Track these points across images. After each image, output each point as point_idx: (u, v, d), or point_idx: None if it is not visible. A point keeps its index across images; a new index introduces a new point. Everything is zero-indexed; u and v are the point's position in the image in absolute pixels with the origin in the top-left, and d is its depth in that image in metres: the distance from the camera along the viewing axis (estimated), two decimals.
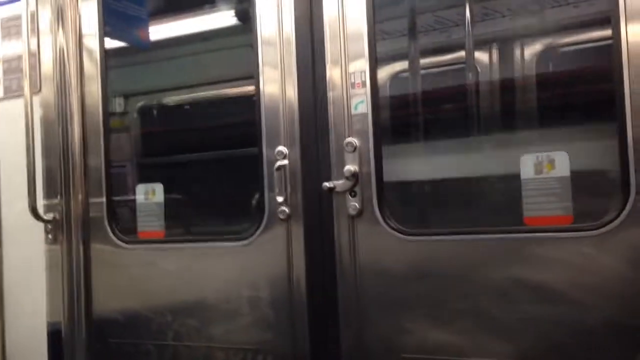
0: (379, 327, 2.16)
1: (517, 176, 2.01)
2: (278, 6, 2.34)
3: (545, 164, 1.96)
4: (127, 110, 3.13)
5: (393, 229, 2.15)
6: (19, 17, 2.67)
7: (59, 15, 2.67)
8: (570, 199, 1.94)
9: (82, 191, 2.70)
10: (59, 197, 2.70)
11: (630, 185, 1.82)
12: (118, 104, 3.07)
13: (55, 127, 2.71)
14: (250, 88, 2.43)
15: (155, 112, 3.28)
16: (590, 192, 2.03)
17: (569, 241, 1.91)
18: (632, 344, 1.83)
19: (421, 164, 2.60)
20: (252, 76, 2.39)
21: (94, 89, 2.71)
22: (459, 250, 2.07)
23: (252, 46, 2.38)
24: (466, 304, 2.03)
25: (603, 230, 1.86)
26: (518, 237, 1.99)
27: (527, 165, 1.99)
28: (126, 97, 3.12)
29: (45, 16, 2.73)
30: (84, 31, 2.74)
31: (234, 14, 2.96)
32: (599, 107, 2.20)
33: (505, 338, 1.99)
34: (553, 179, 1.96)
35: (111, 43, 2.80)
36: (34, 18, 2.70)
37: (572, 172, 1.94)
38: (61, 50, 2.69)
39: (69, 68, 2.67)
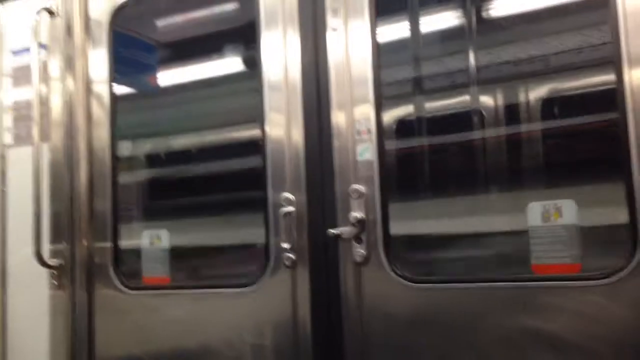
0: None
1: (524, 225, 2.00)
2: (284, 51, 2.38)
3: (552, 212, 1.96)
4: (133, 155, 3.15)
5: (399, 276, 2.13)
6: (29, 67, 2.73)
7: (69, 63, 2.72)
8: (578, 247, 1.92)
9: (88, 236, 2.70)
10: (64, 242, 2.71)
11: (639, 234, 1.81)
12: (125, 148, 3.10)
13: (62, 172, 2.73)
14: (256, 132, 2.45)
15: (161, 156, 3.30)
16: (599, 241, 2.02)
17: (577, 290, 1.89)
18: None
19: (427, 208, 2.60)
20: (258, 121, 2.41)
21: (102, 133, 2.74)
22: (465, 298, 2.04)
23: (258, 91, 2.41)
24: (472, 353, 2.00)
25: (611, 279, 1.83)
26: (526, 286, 1.97)
27: (535, 213, 1.98)
28: (133, 141, 3.15)
29: (55, 65, 2.79)
30: (92, 78, 2.78)
31: (240, 60, 3.01)
32: (606, 154, 2.20)
33: None
34: (560, 227, 1.95)
35: (120, 89, 2.84)
36: (44, 67, 2.75)
37: (579, 220, 1.93)
38: (70, 97, 2.73)
39: (77, 113, 2.71)
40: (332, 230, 2.18)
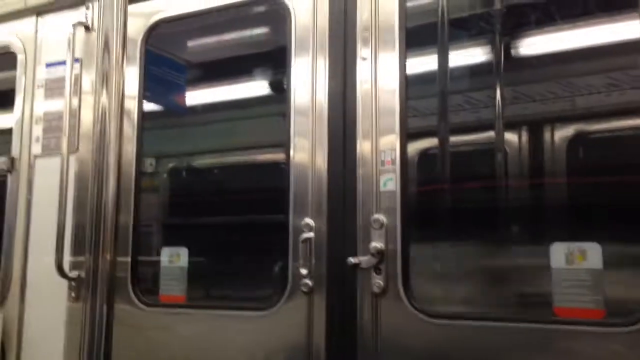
0: None
1: (547, 266, 1.98)
2: (312, 78, 2.40)
3: (576, 255, 1.93)
4: (157, 171, 3.18)
5: (417, 309, 2.11)
6: (62, 79, 2.78)
7: (104, 78, 2.77)
8: (602, 292, 1.89)
9: (111, 250, 2.71)
10: (87, 254, 2.72)
11: None
12: (149, 165, 3.13)
13: (88, 185, 2.76)
14: (281, 157, 2.46)
15: (184, 175, 3.32)
16: (623, 287, 1.98)
17: (599, 336, 1.86)
18: None
19: (447, 245, 2.58)
20: (283, 145, 2.42)
21: (130, 148, 2.78)
22: (484, 336, 2.02)
23: (285, 115, 2.42)
24: None
25: (635, 327, 1.80)
26: (547, 328, 1.94)
27: (558, 254, 1.96)
28: (157, 158, 3.17)
29: (88, 79, 2.85)
30: (128, 93, 2.83)
31: (269, 84, 3.04)
32: (632, 198, 2.17)
33: None
34: (584, 270, 1.92)
35: (149, 106, 2.88)
36: (76, 80, 2.81)
37: (604, 264, 1.90)
38: (103, 111, 2.78)
39: (110, 128, 2.75)
40: (351, 259, 2.18)
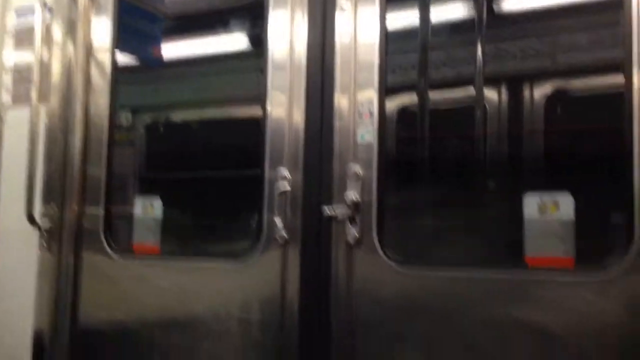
0: (371, 358, 2.11)
1: (519, 216, 1.99)
2: (290, 31, 2.36)
3: (549, 206, 1.94)
4: (131, 125, 3.14)
5: (391, 259, 2.12)
6: (32, 27, 2.70)
7: (70, 28, 2.70)
8: (573, 242, 1.91)
9: (79, 201, 2.69)
10: (60, 205, 2.70)
11: (635, 231, 1.80)
12: (123, 119, 3.09)
13: (57, 135, 2.72)
14: (257, 111, 2.43)
15: (160, 129, 3.28)
16: (594, 237, 2.00)
17: (569, 284, 1.88)
18: None
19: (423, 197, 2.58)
20: (260, 99, 2.39)
21: (102, 101, 2.72)
22: (457, 285, 2.03)
23: (262, 69, 2.38)
24: (461, 341, 1.99)
25: (604, 275, 1.82)
26: (518, 277, 1.96)
27: (531, 205, 1.97)
28: (132, 112, 3.13)
29: (58, 28, 2.76)
30: (95, 44, 2.77)
31: (245, 37, 2.98)
32: (607, 152, 2.18)
33: None
34: (556, 220, 1.93)
35: (122, 58, 2.82)
36: (47, 29, 2.73)
37: (576, 215, 1.91)
38: (69, 62, 2.72)
39: (76, 79, 2.70)
40: (326, 210, 2.17)
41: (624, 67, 1.89)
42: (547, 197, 1.95)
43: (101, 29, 2.76)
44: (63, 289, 2.67)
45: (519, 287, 1.95)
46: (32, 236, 2.70)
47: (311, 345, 2.22)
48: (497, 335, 1.95)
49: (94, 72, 2.75)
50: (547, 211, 1.94)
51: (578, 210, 1.91)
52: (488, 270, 2.04)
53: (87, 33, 2.71)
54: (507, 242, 2.19)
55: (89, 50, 2.71)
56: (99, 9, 2.75)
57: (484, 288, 1.99)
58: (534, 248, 1.95)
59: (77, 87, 2.70)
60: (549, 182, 2.43)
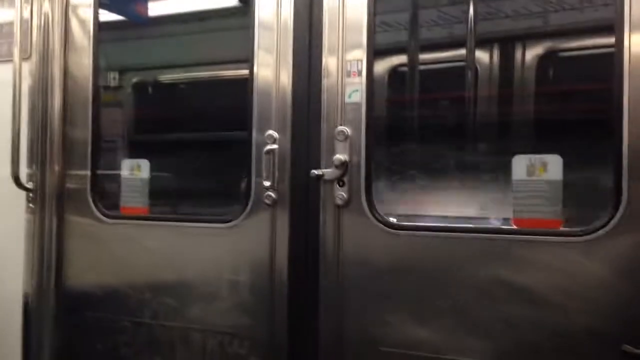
0: (359, 319, 2.14)
1: (508, 177, 1.99)
2: None
3: (538, 167, 1.94)
4: (116, 85, 3.08)
5: (379, 221, 2.12)
6: None
7: None
8: (561, 203, 1.91)
9: (60, 162, 2.65)
10: (45, 166, 2.66)
11: (622, 192, 1.80)
12: (110, 78, 3.03)
13: (38, 96, 2.66)
14: (243, 71, 2.39)
15: (145, 89, 3.23)
16: (582, 198, 2.01)
17: (556, 245, 1.89)
18: (609, 351, 1.81)
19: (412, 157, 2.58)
20: (247, 59, 2.34)
21: (84, 60, 2.66)
22: (444, 246, 2.04)
23: (249, 29, 2.34)
24: (448, 301, 2.01)
25: (591, 236, 1.84)
26: (505, 238, 1.97)
27: (520, 166, 1.96)
28: (119, 71, 3.07)
29: None
30: (74, 1, 2.68)
31: None
32: (596, 113, 2.18)
33: (483, 338, 1.97)
34: (544, 181, 1.93)
35: (106, 15, 2.74)
36: None
37: (564, 176, 1.91)
38: (46, 18, 2.64)
39: (53, 37, 2.62)
40: (314, 171, 2.15)
41: (615, 26, 1.85)
42: (536, 159, 1.94)
43: None
44: (46, 250, 2.65)
45: (506, 247, 1.95)
46: (19, 198, 2.67)
47: (300, 306, 2.24)
48: (484, 295, 1.96)
49: (75, 29, 2.67)
50: (536, 172, 1.94)
51: (566, 171, 1.91)
52: (475, 230, 2.04)
53: None
54: (494, 203, 2.19)
55: (66, 7, 2.63)
56: None
57: (471, 248, 2.00)
58: (522, 209, 1.95)
59: (56, 46, 2.62)
60: (538, 143, 2.43)
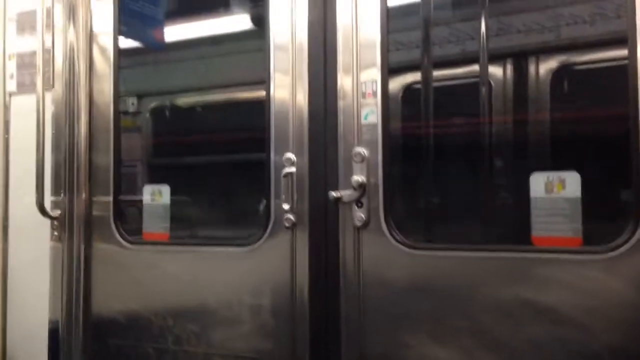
0: (380, 340, 2.14)
1: (526, 195, 1.99)
2: (291, 12, 2.33)
3: (555, 184, 1.94)
4: (138, 111, 3.13)
5: (399, 241, 2.13)
6: (34, 12, 2.68)
7: (71, 12, 2.68)
8: (580, 220, 1.91)
9: (87, 189, 2.70)
10: (70, 194, 2.70)
11: None
12: (129, 104, 3.07)
13: (63, 123, 2.71)
14: (261, 93, 2.42)
15: (166, 113, 3.27)
16: (601, 215, 2.00)
17: (577, 263, 1.89)
18: None
19: (430, 177, 2.58)
20: (263, 81, 2.37)
21: (106, 87, 2.71)
22: (464, 266, 2.04)
23: (264, 51, 2.37)
24: (469, 321, 2.01)
25: (613, 254, 1.83)
26: (525, 257, 1.97)
27: (537, 183, 1.96)
28: (137, 97, 3.12)
29: (60, 12, 2.73)
30: (96, 29, 2.74)
31: (247, 18, 2.95)
32: (613, 129, 2.17)
33: (504, 358, 1.96)
34: (563, 199, 1.93)
35: (125, 42, 2.80)
36: (49, 14, 2.70)
37: (583, 193, 1.91)
38: (71, 48, 2.70)
39: (79, 65, 2.68)
40: (333, 193, 2.17)
41: (628, 39, 1.85)
42: (554, 176, 1.94)
43: (102, 13, 2.73)
44: (75, 278, 2.68)
45: (526, 266, 1.95)
46: (43, 226, 2.71)
47: (321, 327, 2.25)
48: (505, 315, 1.96)
49: (97, 57, 2.73)
50: (554, 189, 1.94)
51: (585, 188, 1.91)
52: (495, 249, 2.04)
53: (87, 17, 2.69)
54: (514, 221, 2.19)
55: (90, 35, 2.69)
56: None
57: (491, 268, 2.00)
58: (541, 227, 1.95)
59: (81, 73, 2.68)
60: (555, 159, 2.42)
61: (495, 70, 2.65)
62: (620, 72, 1.93)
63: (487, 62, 2.56)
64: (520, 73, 2.66)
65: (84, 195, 2.70)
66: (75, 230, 2.70)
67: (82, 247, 2.69)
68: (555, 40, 2.54)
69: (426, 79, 2.72)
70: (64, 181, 2.71)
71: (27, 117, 2.70)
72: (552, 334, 1.90)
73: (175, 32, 3.09)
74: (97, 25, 2.74)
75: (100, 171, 2.70)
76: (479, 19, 2.53)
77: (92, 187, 2.71)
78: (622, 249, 1.82)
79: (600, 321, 1.85)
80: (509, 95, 2.66)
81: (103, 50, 2.73)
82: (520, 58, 2.66)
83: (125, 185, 2.75)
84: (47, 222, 2.70)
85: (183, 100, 3.20)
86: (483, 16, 2.52)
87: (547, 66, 2.59)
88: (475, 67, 2.57)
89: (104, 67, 2.73)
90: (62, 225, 2.71)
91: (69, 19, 2.69)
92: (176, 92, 3.18)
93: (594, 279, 1.86)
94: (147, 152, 3.14)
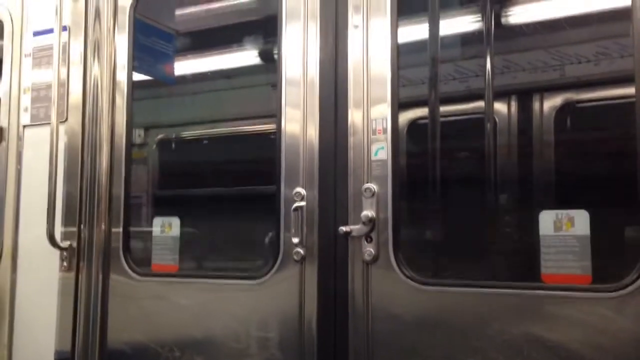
0: None
1: (534, 232, 2.00)
2: (304, 47, 2.38)
3: (564, 222, 1.96)
4: (146, 142, 3.16)
5: (408, 277, 2.13)
6: (50, 48, 2.73)
7: (95, 48, 2.74)
8: (589, 258, 1.92)
9: (106, 220, 2.71)
10: (80, 225, 2.71)
11: None
12: (139, 136, 3.11)
13: (78, 155, 2.74)
14: (271, 127, 2.45)
15: (174, 146, 3.31)
16: (610, 253, 2.02)
17: (587, 301, 1.89)
18: None
19: (439, 213, 2.60)
20: (274, 115, 2.41)
21: (120, 120, 2.75)
22: (474, 302, 2.05)
23: (276, 86, 2.41)
24: (478, 358, 2.00)
25: (622, 292, 1.84)
26: (534, 294, 1.97)
27: (546, 222, 1.98)
28: (147, 129, 3.16)
29: (77, 48, 2.79)
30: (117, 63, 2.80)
31: (259, 54, 3.01)
32: (620, 166, 2.20)
33: None
34: (572, 237, 1.95)
35: (138, 76, 2.85)
36: (64, 49, 2.75)
37: (591, 231, 1.93)
38: (95, 81, 2.75)
39: (102, 99, 2.73)
40: (342, 228, 2.19)
41: (634, 77, 1.89)
42: (563, 214, 1.96)
43: (120, 48, 2.79)
44: (84, 309, 2.68)
45: (536, 303, 1.96)
46: (52, 256, 2.71)
47: None
48: (515, 352, 1.95)
49: (117, 90, 2.78)
50: (563, 227, 1.96)
51: (593, 226, 1.93)
52: (504, 287, 2.05)
53: (111, 52, 2.75)
54: (523, 259, 2.20)
55: (113, 70, 2.74)
56: (117, 29, 2.78)
57: (500, 305, 2.00)
58: (550, 265, 1.97)
59: (103, 105, 2.72)
60: (561, 196, 2.44)
61: (500, 107, 2.69)
62: (623, 109, 1.96)
63: (492, 98, 2.60)
64: (525, 110, 2.70)
65: (103, 227, 2.71)
66: (94, 261, 2.70)
67: (92, 278, 2.69)
68: (559, 78, 2.58)
69: (433, 114, 2.76)
70: (83, 212, 2.72)
71: (39, 149, 2.74)
72: None
73: (186, 67, 3.14)
74: (118, 59, 2.79)
75: (112, 202, 2.72)
76: (484, 56, 2.58)
77: (104, 218, 2.72)
78: (632, 287, 1.82)
79: (609, 359, 1.85)
80: (513, 131, 2.70)
81: (119, 84, 2.78)
82: (524, 95, 2.70)
83: (135, 216, 2.77)
84: (55, 253, 2.70)
85: (190, 133, 3.23)
86: (488, 54, 2.57)
87: (551, 103, 2.63)
88: (481, 104, 2.61)
89: (120, 100, 2.77)
90: (74, 256, 2.70)
91: (93, 53, 2.74)
92: (188, 125, 3.22)
93: (604, 316, 1.86)
94: (156, 184, 3.16)
